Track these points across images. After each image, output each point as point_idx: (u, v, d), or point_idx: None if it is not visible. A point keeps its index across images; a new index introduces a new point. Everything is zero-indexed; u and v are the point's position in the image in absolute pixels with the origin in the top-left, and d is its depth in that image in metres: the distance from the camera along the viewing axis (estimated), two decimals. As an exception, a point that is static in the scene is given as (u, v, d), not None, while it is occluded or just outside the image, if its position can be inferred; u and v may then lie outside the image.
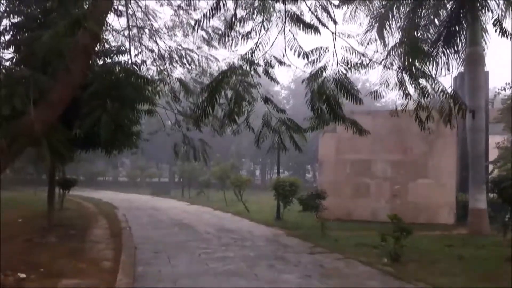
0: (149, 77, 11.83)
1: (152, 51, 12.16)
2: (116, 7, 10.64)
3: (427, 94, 6.78)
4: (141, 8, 11.73)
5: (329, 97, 6.53)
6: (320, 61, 7.06)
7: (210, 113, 6.73)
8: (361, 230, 13.55)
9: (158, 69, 12.46)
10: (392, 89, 7.30)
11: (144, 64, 11.65)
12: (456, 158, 16.38)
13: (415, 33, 7.06)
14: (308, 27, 7.15)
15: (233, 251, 9.72)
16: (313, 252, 9.65)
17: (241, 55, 8.97)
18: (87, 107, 7.28)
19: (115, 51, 11.43)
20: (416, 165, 16.28)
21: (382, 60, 7.22)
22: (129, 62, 10.91)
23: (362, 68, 7.25)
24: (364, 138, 16.14)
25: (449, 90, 6.79)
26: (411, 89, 6.99)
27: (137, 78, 8.56)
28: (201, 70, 13.21)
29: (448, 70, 11.16)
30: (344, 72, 7.08)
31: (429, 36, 10.95)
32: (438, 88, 6.64)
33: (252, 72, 7.52)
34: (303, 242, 11.13)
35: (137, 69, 10.51)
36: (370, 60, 7.26)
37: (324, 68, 6.83)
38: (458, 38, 11.22)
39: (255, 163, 55.87)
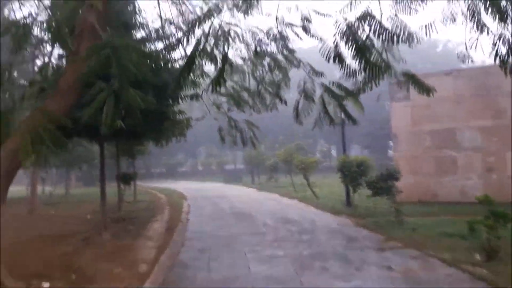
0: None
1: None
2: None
3: (507, 17, 4.71)
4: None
5: (358, 41, 4.71)
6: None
7: (186, 78, 5.36)
8: (447, 214, 11.37)
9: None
10: (462, 23, 5.30)
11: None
12: None
13: None
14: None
15: (286, 248, 8.33)
16: (383, 248, 7.88)
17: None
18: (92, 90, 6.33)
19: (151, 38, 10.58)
20: (513, 130, 13.33)
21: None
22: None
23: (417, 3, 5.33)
24: (445, 103, 13.83)
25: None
26: (487, 19, 4.97)
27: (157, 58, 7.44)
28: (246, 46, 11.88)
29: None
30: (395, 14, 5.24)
31: None
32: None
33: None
34: (373, 234, 9.38)
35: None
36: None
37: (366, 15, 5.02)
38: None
39: (330, 142, 53.35)
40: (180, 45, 5.68)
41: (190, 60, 5.24)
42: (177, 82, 5.44)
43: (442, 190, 14.06)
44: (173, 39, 7.07)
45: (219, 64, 5.81)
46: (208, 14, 5.24)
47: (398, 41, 5.07)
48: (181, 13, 11.05)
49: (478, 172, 13.74)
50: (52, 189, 23.14)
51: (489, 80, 12.77)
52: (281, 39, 7.93)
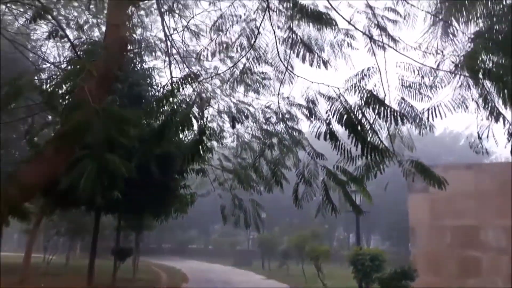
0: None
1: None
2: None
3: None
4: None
5: (355, 123, 4.25)
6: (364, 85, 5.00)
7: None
8: (471, 324, 9.95)
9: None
10: (474, 111, 4.88)
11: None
12: None
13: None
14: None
15: None
16: None
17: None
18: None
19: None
20: (545, 232, 12.10)
21: (458, 64, 4.83)
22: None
23: (426, 89, 5.02)
24: (466, 198, 12.89)
25: None
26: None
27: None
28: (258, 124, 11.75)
29: None
30: (403, 98, 4.91)
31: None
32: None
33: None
34: None
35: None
36: (435, 68, 4.93)
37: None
38: None
39: (348, 230, 51.18)
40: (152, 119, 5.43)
41: (158, 134, 4.89)
42: (145, 152, 5.05)
43: (466, 295, 12.56)
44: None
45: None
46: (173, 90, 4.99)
47: (402, 122, 4.64)
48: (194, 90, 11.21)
49: (503, 275, 12.32)
50: (51, 258, 22.27)
51: (515, 175, 11.96)
52: (288, 119, 7.71)
